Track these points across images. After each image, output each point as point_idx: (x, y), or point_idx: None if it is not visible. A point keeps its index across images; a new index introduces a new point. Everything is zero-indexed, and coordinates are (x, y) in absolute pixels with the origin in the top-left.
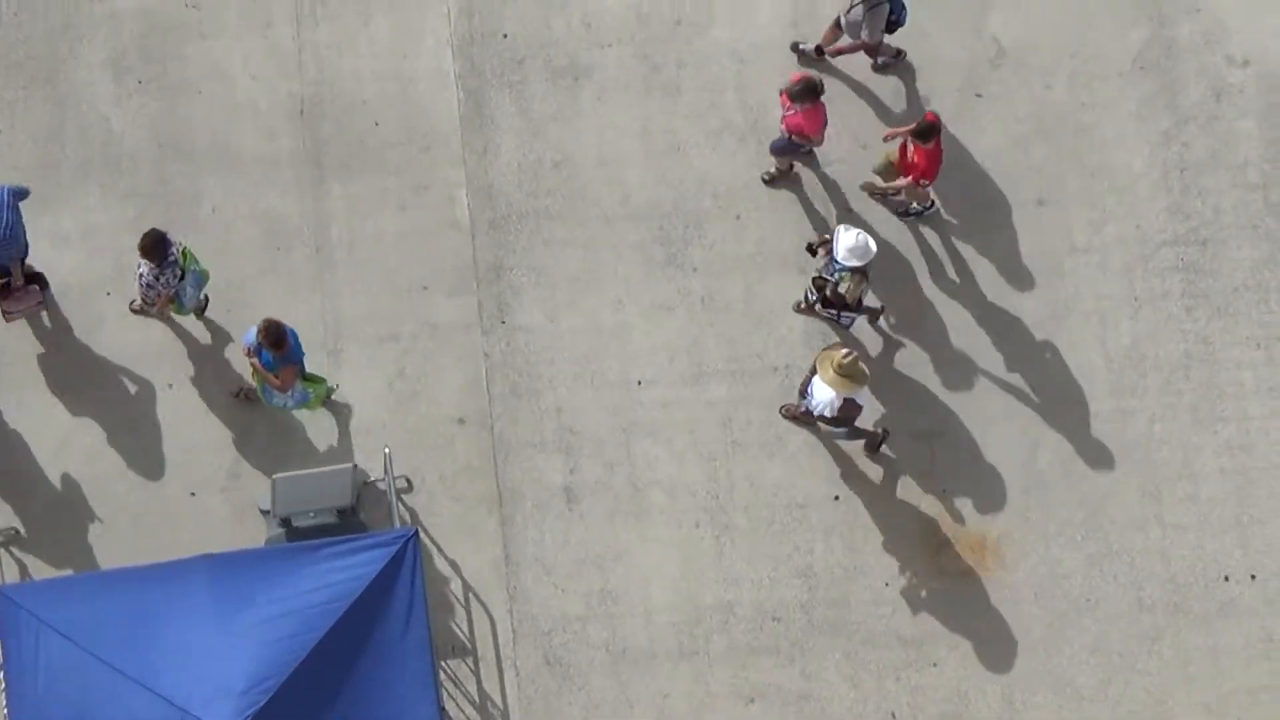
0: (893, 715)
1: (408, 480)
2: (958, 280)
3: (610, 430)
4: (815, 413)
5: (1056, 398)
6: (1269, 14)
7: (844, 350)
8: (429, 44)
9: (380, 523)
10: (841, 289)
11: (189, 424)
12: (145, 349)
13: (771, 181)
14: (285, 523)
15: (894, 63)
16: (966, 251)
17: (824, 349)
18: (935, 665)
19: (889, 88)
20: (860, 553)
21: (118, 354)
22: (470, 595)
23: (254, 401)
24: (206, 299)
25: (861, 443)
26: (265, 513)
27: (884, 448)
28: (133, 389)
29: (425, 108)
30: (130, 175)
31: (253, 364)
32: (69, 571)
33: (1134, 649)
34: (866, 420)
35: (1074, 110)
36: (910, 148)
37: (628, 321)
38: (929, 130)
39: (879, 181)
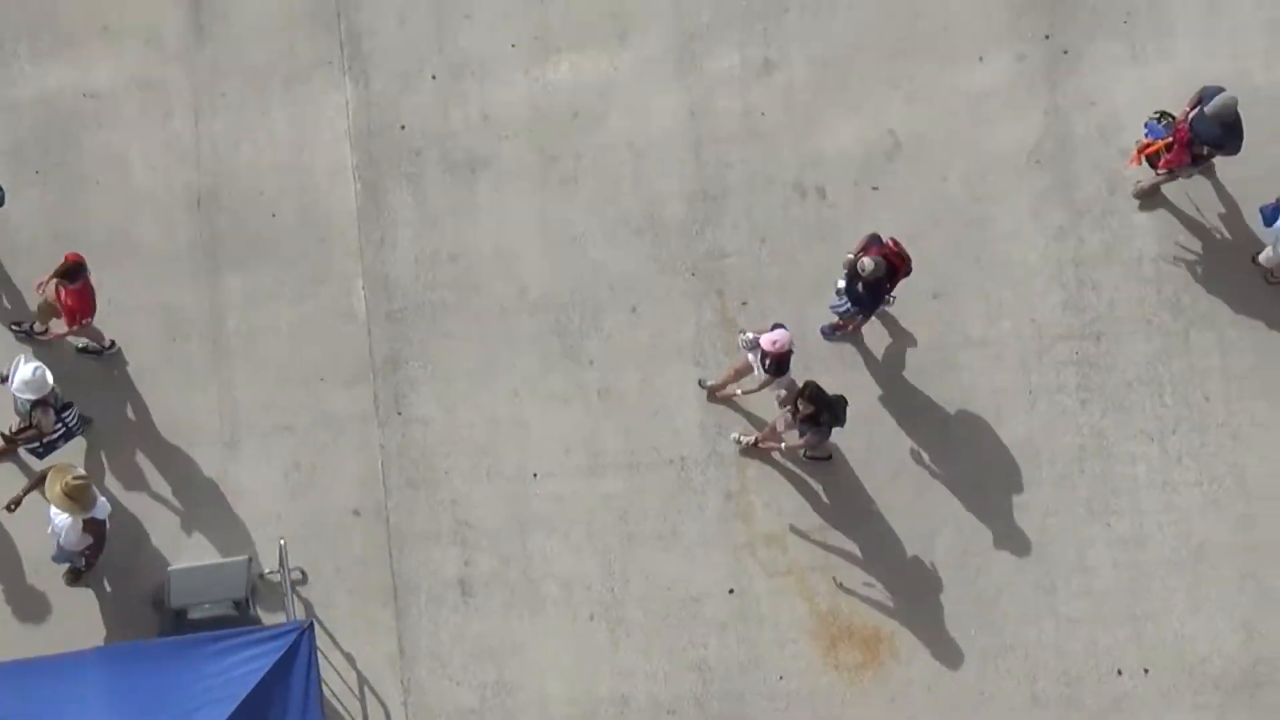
0: None
1: (303, 572)
2: (852, 372)
3: (506, 523)
4: (59, 541)
5: (952, 491)
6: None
7: (75, 471)
8: (326, 136)
9: (275, 615)
10: (34, 420)
11: None
12: None
13: None
14: (179, 615)
15: None
16: (862, 344)
17: (54, 466)
18: None
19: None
20: (755, 646)
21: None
22: (365, 688)
23: None
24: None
25: None
26: (159, 604)
27: None
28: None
29: (322, 199)
30: (27, 266)
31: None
32: None
33: None
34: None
35: (969, 204)
36: (61, 291)
37: (524, 414)
38: (73, 271)
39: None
